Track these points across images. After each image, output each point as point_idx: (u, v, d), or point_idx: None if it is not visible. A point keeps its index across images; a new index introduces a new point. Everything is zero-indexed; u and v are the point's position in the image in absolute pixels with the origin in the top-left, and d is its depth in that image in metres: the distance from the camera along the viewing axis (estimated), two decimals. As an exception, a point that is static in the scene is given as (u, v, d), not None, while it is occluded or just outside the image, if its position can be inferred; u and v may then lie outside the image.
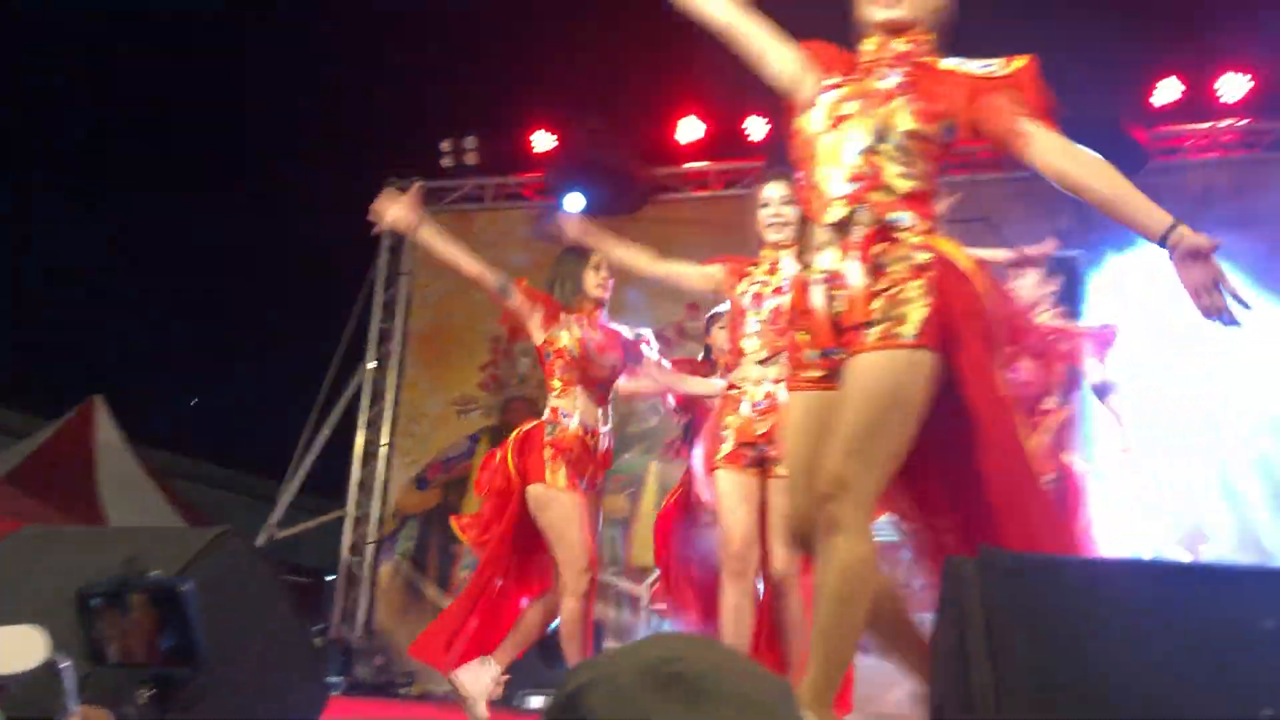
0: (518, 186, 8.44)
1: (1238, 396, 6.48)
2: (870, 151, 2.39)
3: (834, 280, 2.38)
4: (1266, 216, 6.41)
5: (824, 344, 2.39)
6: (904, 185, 2.39)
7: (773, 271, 3.72)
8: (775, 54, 2.58)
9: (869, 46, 2.54)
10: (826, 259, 2.40)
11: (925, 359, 2.24)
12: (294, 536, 8.12)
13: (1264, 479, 6.37)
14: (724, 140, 7.99)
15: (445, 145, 8.40)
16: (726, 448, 3.69)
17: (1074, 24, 6.60)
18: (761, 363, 3.68)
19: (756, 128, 7.82)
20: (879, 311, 2.29)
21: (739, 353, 3.75)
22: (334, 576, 8.19)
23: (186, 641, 1.37)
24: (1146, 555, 5.79)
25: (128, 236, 10.26)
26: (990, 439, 2.26)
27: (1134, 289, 6.25)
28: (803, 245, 2.65)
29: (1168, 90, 7.00)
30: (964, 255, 2.40)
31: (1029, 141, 2.29)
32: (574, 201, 7.86)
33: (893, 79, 2.46)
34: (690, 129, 7.94)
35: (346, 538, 7.99)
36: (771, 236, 3.74)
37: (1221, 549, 6.21)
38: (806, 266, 2.48)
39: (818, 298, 2.40)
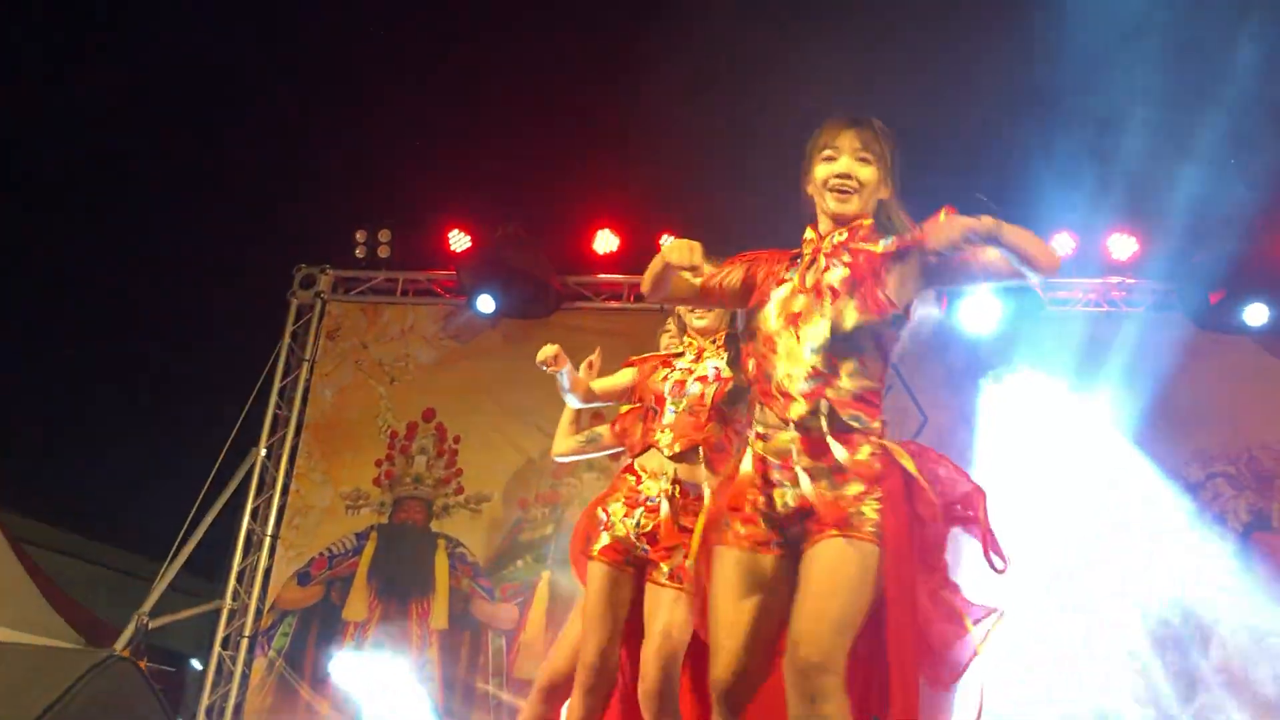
0: (429, 282, 8.43)
1: (1136, 572, 6.50)
2: (825, 350, 2.53)
3: (788, 470, 2.53)
4: (1147, 373, 6.72)
5: (776, 521, 2.56)
6: (855, 385, 2.54)
7: (697, 360, 3.61)
8: (721, 279, 2.78)
9: (809, 235, 2.68)
10: (785, 448, 2.54)
11: (877, 553, 2.44)
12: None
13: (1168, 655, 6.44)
14: (638, 253, 8.12)
15: (359, 236, 8.37)
16: (606, 539, 3.45)
17: (979, 178, 6.95)
18: (672, 457, 3.48)
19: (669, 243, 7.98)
20: (843, 505, 2.45)
21: (647, 445, 3.54)
22: (197, 664, 7.83)
23: None
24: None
25: (19, 289, 9.94)
26: (893, 621, 2.45)
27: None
28: (749, 413, 2.73)
29: (1061, 244, 7.35)
30: (907, 457, 2.54)
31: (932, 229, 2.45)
32: (485, 302, 7.89)
33: (837, 273, 2.59)
34: (606, 241, 8.06)
35: (220, 630, 7.67)
36: (696, 324, 3.66)
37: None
38: (760, 438, 2.60)
39: (773, 478, 2.56)
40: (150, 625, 7.02)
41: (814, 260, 2.62)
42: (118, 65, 8.56)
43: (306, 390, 8.30)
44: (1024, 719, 5.99)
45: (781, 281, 2.65)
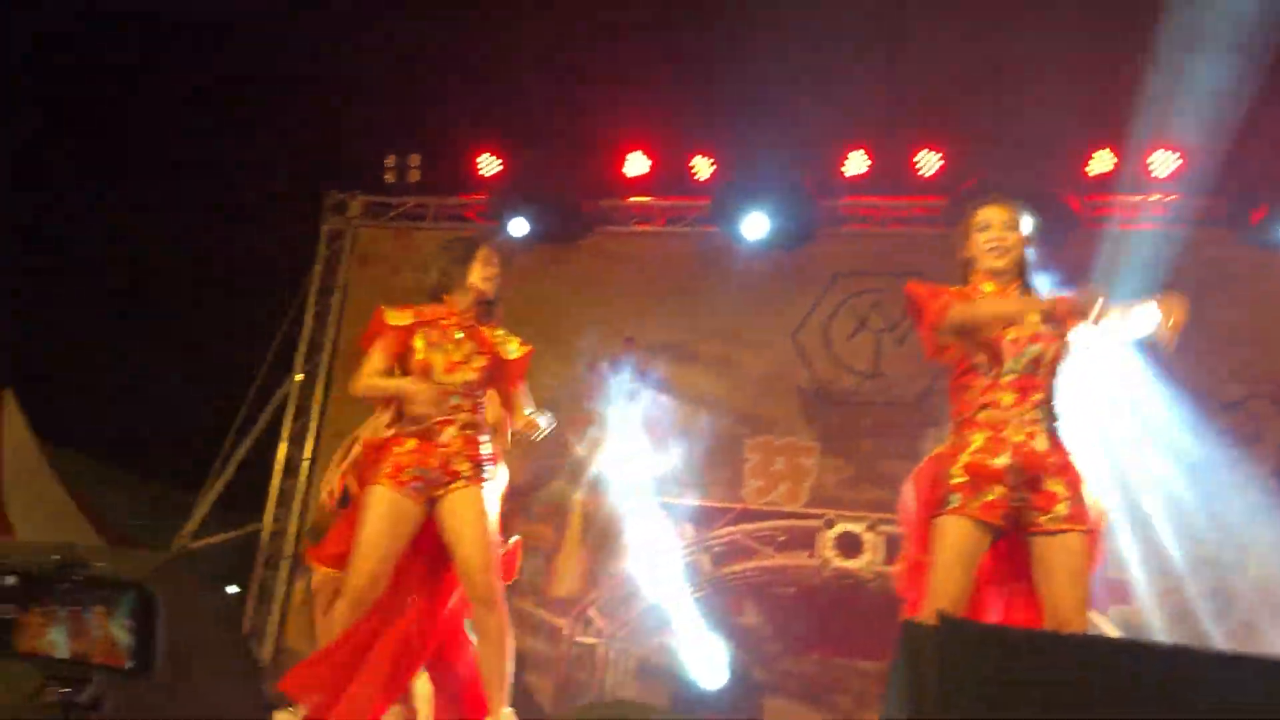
0: (460, 208, 8.39)
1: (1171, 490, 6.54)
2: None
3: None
4: (1187, 290, 6.62)
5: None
6: None
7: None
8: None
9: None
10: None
11: None
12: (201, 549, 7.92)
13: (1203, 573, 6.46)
14: (669, 177, 8.04)
15: (389, 161, 8.33)
16: (989, 495, 3.32)
17: (1020, 90, 6.83)
18: (1012, 405, 3.42)
19: (702, 167, 7.90)
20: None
21: (990, 404, 3.43)
22: (235, 589, 7.99)
23: (139, 644, 1.29)
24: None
25: (50, 228, 9.99)
26: None
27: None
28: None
29: (1101, 161, 7.24)
30: None
31: None
32: (517, 226, 7.85)
33: None
34: (637, 164, 7.98)
35: (262, 551, 7.82)
36: (990, 264, 3.56)
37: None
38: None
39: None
40: (193, 545, 7.15)
41: None
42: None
43: (340, 315, 8.33)
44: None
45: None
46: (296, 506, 7.90)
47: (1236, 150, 6.83)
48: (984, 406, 3.43)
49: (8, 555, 1.29)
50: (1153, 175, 7.20)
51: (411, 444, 3.88)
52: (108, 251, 10.06)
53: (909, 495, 3.49)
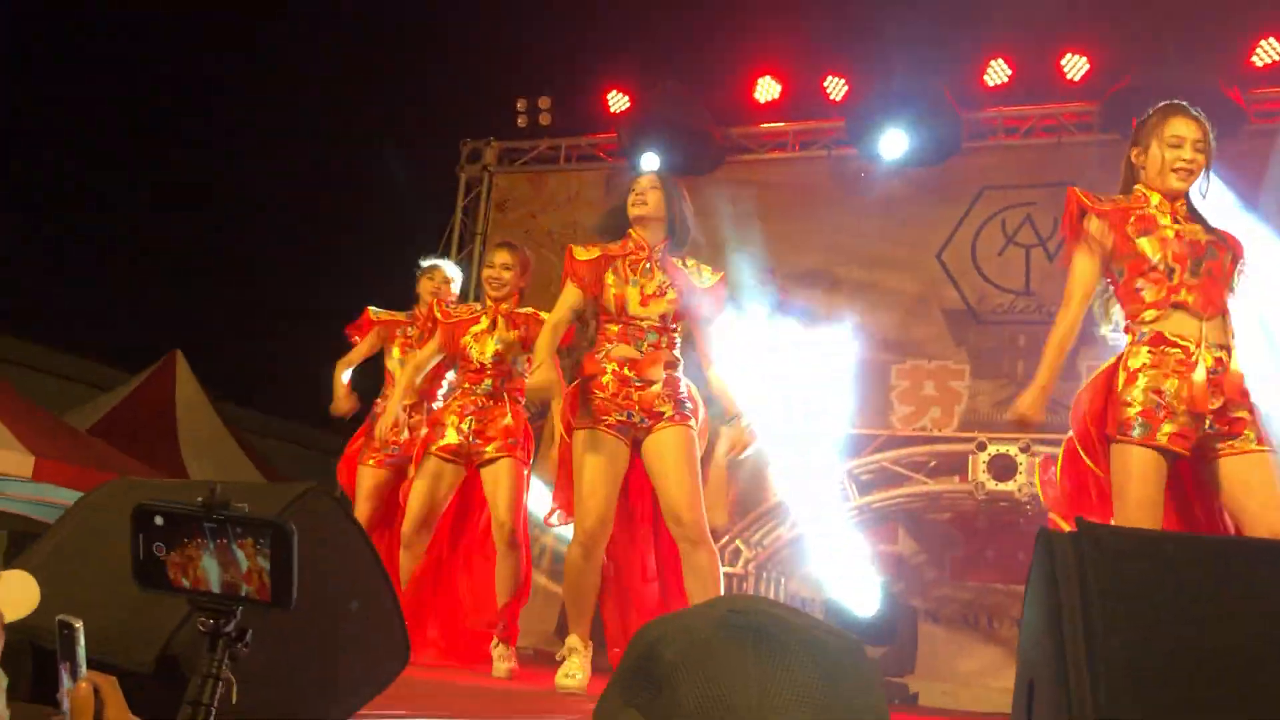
0: (591, 147, 8.39)
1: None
2: None
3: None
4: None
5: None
6: None
7: (1169, 212, 3.32)
8: None
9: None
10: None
11: None
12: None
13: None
14: (802, 100, 7.86)
15: (520, 105, 8.38)
16: (1175, 424, 3.13)
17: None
18: (1202, 319, 3.22)
19: (835, 88, 7.68)
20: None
21: (1167, 317, 3.26)
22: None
23: (278, 578, 1.37)
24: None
25: (207, 200, 10.43)
26: None
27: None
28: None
29: (1267, 52, 6.74)
30: None
31: None
32: (649, 161, 7.80)
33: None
34: (767, 89, 7.81)
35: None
36: (1173, 184, 3.32)
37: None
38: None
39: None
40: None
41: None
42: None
43: (481, 263, 8.46)
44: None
45: None
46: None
47: None
48: (1159, 319, 3.23)
49: (155, 498, 1.37)
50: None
51: (613, 386, 3.95)
52: (258, 222, 10.45)
53: (1083, 409, 3.32)
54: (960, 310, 7.22)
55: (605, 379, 3.94)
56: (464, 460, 4.82)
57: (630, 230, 4.07)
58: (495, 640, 4.74)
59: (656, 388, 3.95)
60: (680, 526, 3.91)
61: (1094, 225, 3.34)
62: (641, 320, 3.98)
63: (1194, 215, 3.35)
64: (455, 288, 6.02)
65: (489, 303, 4.97)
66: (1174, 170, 3.29)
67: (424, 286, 5.84)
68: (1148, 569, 1.69)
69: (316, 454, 9.26)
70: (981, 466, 6.32)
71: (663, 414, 3.93)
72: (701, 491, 3.98)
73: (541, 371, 3.90)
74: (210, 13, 9.36)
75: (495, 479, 4.74)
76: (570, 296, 4.03)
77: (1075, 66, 7.13)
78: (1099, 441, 3.22)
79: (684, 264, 4.11)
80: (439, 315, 5.09)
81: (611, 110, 8.06)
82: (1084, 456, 3.27)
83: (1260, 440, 3.13)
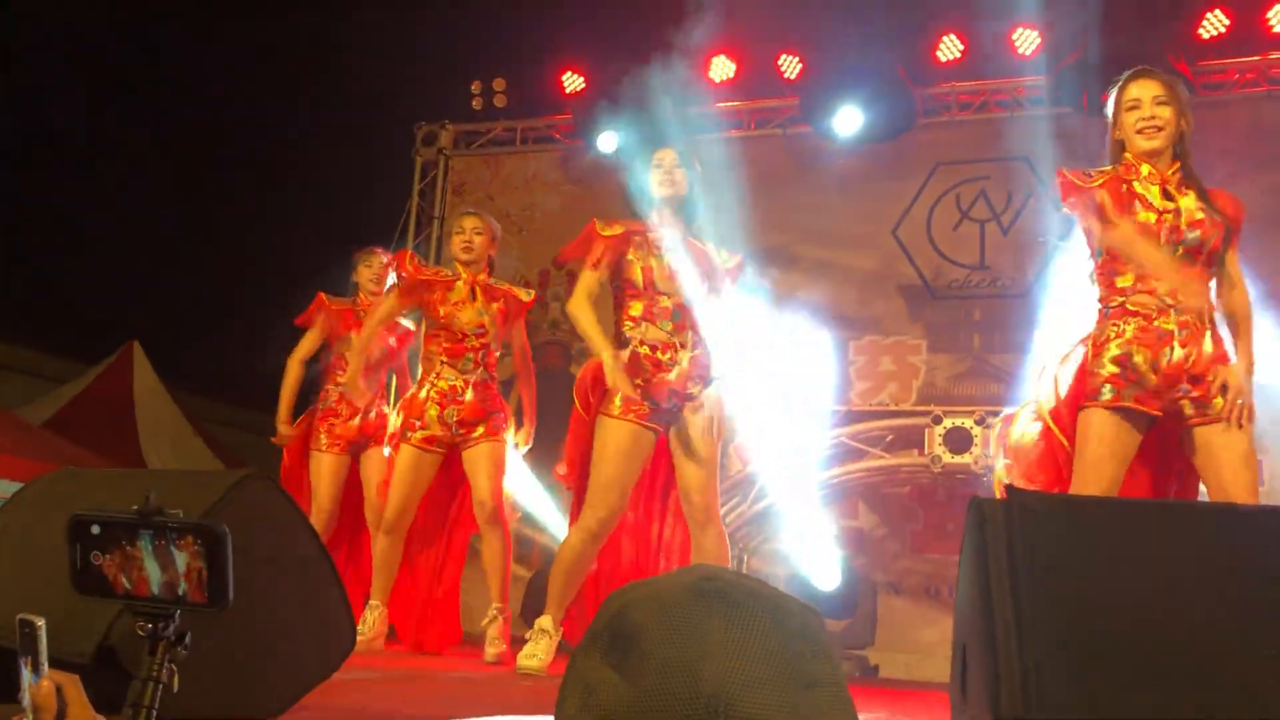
0: (548, 128, 8.36)
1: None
2: None
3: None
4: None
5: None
6: None
7: (1171, 198, 3.31)
8: None
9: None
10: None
11: None
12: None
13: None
14: (756, 79, 7.85)
15: (474, 87, 8.34)
16: (1139, 387, 3.20)
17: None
18: (1174, 304, 3.24)
19: (790, 65, 7.69)
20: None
21: (1144, 290, 3.32)
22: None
23: (214, 580, 1.40)
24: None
25: (164, 189, 10.32)
26: None
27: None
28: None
29: (1213, 24, 6.80)
30: None
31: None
32: (606, 141, 7.79)
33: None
34: (722, 68, 7.81)
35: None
36: (1142, 145, 3.34)
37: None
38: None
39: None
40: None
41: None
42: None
43: (439, 247, 8.43)
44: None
45: None
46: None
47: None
48: (1138, 291, 3.29)
49: (90, 508, 1.40)
50: (1274, 32, 6.75)
51: (647, 368, 3.95)
52: (216, 217, 10.35)
53: (1055, 383, 3.38)
54: (916, 286, 7.27)
55: (638, 363, 3.95)
56: (445, 449, 4.82)
57: (653, 210, 4.09)
58: (489, 618, 4.74)
59: (683, 368, 3.97)
60: (690, 505, 3.96)
61: (1094, 198, 3.37)
62: (668, 298, 4.00)
63: (1187, 182, 3.35)
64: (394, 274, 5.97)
65: (461, 270, 4.94)
66: (1139, 132, 3.32)
67: (362, 274, 5.81)
68: (1075, 533, 1.72)
69: (255, 436, 9.21)
70: (938, 440, 6.39)
71: (691, 395, 3.96)
72: (717, 474, 4.02)
73: (609, 352, 3.89)
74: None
75: (475, 460, 4.75)
76: (590, 278, 4.05)
77: (1027, 41, 7.18)
78: (1071, 418, 3.29)
79: (704, 244, 4.15)
80: (410, 268, 5.03)
81: (567, 91, 8.03)
82: (1055, 431, 3.34)
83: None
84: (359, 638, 4.67)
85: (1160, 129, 3.31)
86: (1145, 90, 3.35)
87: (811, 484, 6.76)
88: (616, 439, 3.91)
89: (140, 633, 1.35)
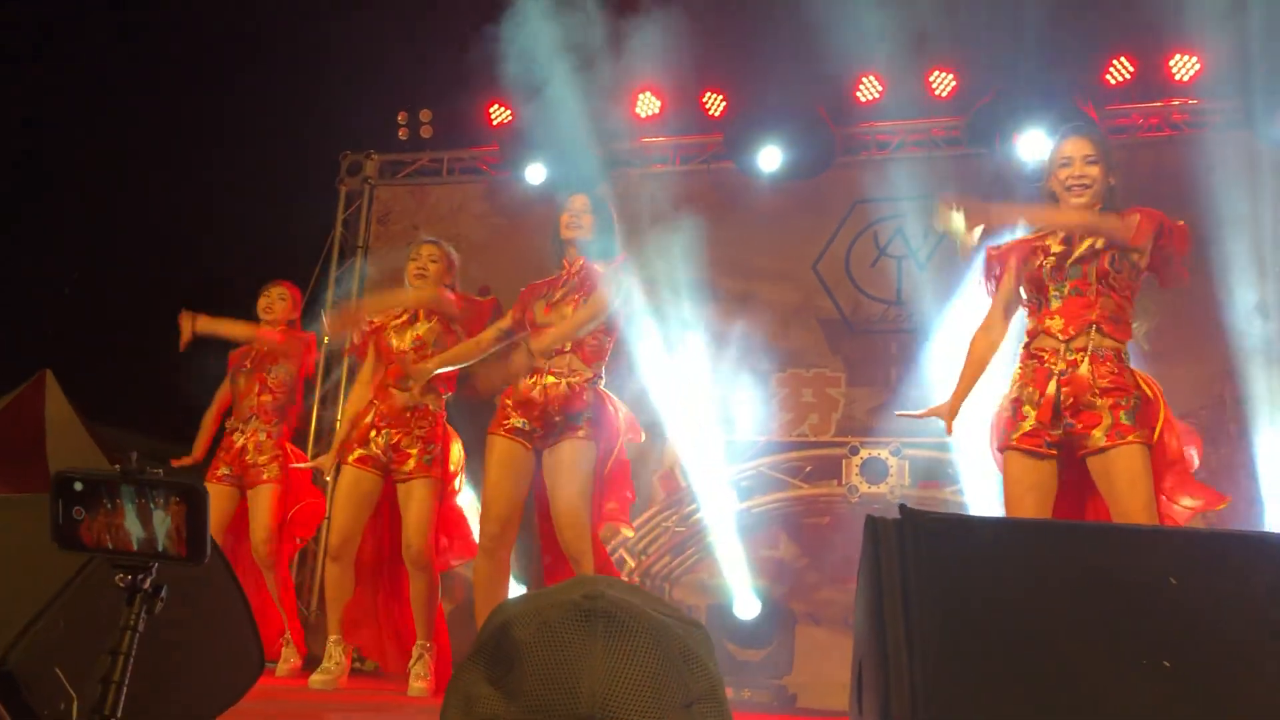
0: (474, 160, 8.39)
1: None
2: None
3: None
4: (1206, 196, 6.49)
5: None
6: None
7: (1071, 242, 3.53)
8: None
9: None
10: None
11: None
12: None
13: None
14: (681, 116, 7.97)
15: (401, 118, 8.34)
16: (1026, 425, 3.43)
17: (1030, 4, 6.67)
18: (1067, 340, 3.45)
19: (714, 103, 7.82)
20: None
21: (1041, 331, 3.54)
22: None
23: (193, 535, 1.49)
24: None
25: (83, 218, 10.13)
26: None
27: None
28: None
29: (1119, 70, 7.07)
30: None
31: None
32: (534, 174, 7.84)
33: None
34: (648, 104, 7.92)
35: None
36: (1071, 201, 3.54)
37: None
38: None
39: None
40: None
41: None
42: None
43: (363, 277, 8.38)
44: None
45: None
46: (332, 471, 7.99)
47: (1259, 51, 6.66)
48: (1036, 334, 3.54)
49: (70, 468, 1.49)
50: (1176, 79, 7.04)
51: (514, 395, 4.06)
52: (134, 244, 10.18)
53: (990, 431, 3.62)
54: (835, 320, 7.41)
55: (518, 387, 4.19)
56: (381, 471, 4.81)
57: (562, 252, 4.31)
58: (415, 656, 4.71)
59: (550, 392, 4.08)
60: (564, 544, 4.03)
61: (1003, 281, 3.72)
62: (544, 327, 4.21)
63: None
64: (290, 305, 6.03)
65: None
66: (1068, 189, 3.56)
67: (259, 305, 5.88)
68: (966, 551, 1.78)
69: (194, 474, 9.07)
70: (855, 470, 6.50)
71: (564, 424, 4.11)
72: (586, 510, 4.08)
73: None
74: (60, 19, 9.10)
75: (407, 498, 4.78)
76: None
77: (942, 83, 7.39)
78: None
79: (604, 264, 4.28)
80: (365, 327, 5.14)
81: (494, 123, 8.07)
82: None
83: (1112, 434, 3.33)
84: (325, 675, 4.67)
85: (1088, 186, 3.55)
86: (1077, 149, 3.58)
87: (732, 514, 6.82)
88: (492, 453, 4.05)
89: (120, 584, 1.44)
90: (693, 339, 7.35)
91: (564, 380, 4.07)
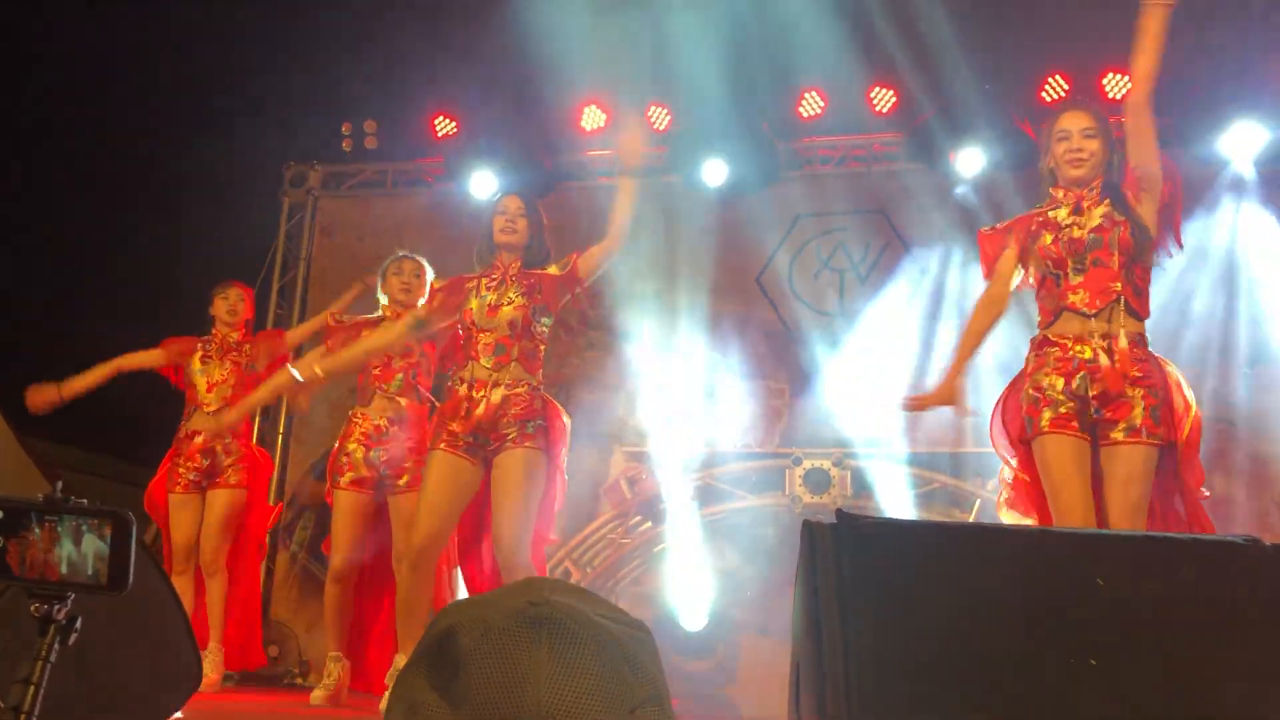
0: (418, 172, 8.36)
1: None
2: None
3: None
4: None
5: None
6: None
7: (1080, 212, 3.49)
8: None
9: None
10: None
11: None
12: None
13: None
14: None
15: (345, 129, 8.29)
16: (1058, 410, 3.37)
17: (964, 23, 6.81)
18: (1094, 313, 3.39)
19: (659, 118, 7.86)
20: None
21: (1058, 316, 3.48)
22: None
23: (115, 565, 1.47)
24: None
25: (19, 229, 9.95)
26: None
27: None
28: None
29: (1054, 89, 7.22)
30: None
31: None
32: (479, 186, 7.82)
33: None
34: (593, 117, 7.94)
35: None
36: (1068, 173, 3.54)
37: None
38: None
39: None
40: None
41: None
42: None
43: (306, 288, 8.31)
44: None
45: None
46: (273, 481, 7.91)
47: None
48: (1057, 315, 3.47)
49: None
50: (1109, 97, 7.20)
51: (456, 409, 4.01)
52: (73, 255, 10.01)
53: (999, 420, 3.55)
54: (779, 331, 7.47)
55: (456, 401, 4.12)
56: (374, 490, 4.80)
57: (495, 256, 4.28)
58: (396, 666, 4.70)
59: (492, 402, 4.04)
60: (498, 548, 4.00)
61: (1002, 256, 3.64)
62: (490, 334, 4.09)
63: (1105, 196, 3.51)
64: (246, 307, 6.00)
65: (387, 314, 5.03)
66: (1067, 162, 3.52)
67: (218, 307, 5.80)
68: (900, 555, 1.82)
69: (128, 488, 8.91)
70: (798, 481, 6.55)
71: (506, 435, 4.03)
72: (528, 516, 4.05)
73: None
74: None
75: (397, 510, 4.75)
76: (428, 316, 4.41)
77: (883, 99, 7.50)
78: (1018, 448, 3.50)
79: (544, 268, 4.28)
80: (331, 323, 5.12)
81: (439, 135, 8.05)
82: (1011, 465, 3.55)
83: (1135, 431, 3.27)
84: (324, 691, 4.64)
85: (1085, 160, 3.51)
86: (1074, 123, 3.55)
87: (678, 525, 6.85)
88: (434, 467, 4.03)
89: (35, 614, 1.40)
90: (637, 351, 7.39)
91: (513, 389, 4.05)
